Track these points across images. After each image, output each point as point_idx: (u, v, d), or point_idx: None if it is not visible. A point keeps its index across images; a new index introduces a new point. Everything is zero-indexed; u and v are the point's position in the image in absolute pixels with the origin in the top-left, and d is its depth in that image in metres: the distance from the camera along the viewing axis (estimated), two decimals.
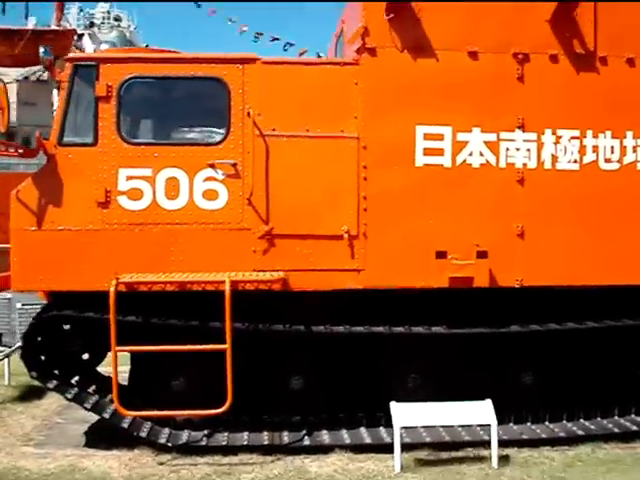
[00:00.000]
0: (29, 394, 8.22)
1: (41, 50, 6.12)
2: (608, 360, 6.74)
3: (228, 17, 18.94)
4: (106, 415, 6.18)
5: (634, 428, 6.54)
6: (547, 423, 6.60)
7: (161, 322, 6.02)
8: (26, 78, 30.33)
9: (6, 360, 8.68)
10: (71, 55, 6.35)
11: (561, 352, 6.66)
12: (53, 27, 22.59)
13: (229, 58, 6.31)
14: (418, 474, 5.69)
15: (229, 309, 5.78)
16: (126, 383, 6.56)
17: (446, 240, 6.27)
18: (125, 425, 6.16)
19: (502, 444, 6.05)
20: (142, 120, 6.50)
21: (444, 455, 6.05)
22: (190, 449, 6.17)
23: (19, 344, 6.53)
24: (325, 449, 6.21)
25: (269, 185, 6.21)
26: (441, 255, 6.25)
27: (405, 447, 5.99)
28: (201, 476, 5.68)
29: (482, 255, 6.27)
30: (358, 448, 6.20)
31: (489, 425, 5.82)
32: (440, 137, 6.31)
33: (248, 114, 6.20)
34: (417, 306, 6.33)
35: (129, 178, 6.21)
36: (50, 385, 6.22)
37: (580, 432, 6.47)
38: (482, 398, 5.98)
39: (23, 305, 10.25)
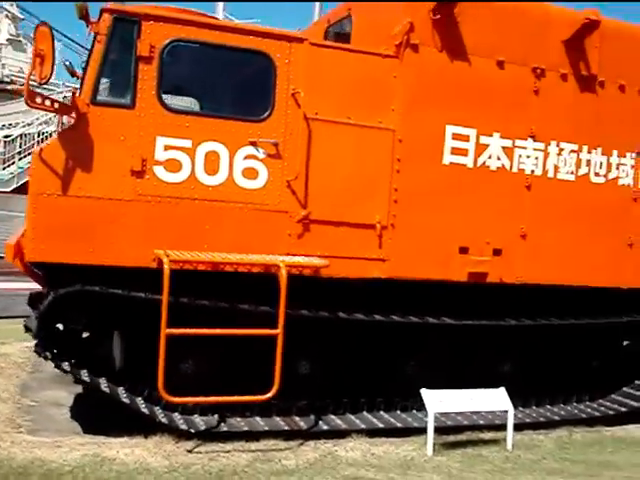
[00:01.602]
0: None
1: None
2: (570, 352, 7.53)
3: None
4: (142, 404, 5.78)
5: (597, 414, 7.41)
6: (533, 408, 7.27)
7: (212, 305, 5.72)
8: None
9: None
10: (109, 5, 5.73)
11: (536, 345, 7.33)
12: None
13: (277, 34, 6.11)
14: (447, 457, 6.00)
15: (284, 293, 5.65)
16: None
17: (468, 236, 6.63)
18: (161, 415, 5.82)
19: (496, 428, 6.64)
20: (184, 87, 6.05)
21: (459, 438, 6.43)
22: (207, 435, 5.96)
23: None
24: (342, 434, 6.32)
25: (309, 169, 6.14)
26: (464, 251, 6.60)
27: (420, 431, 6.34)
28: (246, 463, 5.52)
29: (497, 253, 6.73)
30: (373, 433, 6.40)
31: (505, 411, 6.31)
32: (466, 138, 6.64)
33: (293, 94, 6.07)
34: (428, 297, 6.64)
35: (167, 148, 5.79)
36: (66, 368, 5.64)
37: (556, 417, 7.21)
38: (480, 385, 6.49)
39: None
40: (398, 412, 6.79)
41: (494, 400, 6.30)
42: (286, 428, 6.18)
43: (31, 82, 5.39)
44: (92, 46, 5.80)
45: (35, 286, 7.91)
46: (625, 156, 7.29)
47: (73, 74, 8.34)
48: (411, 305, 6.55)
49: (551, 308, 7.11)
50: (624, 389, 7.78)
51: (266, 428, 6.11)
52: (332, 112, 6.20)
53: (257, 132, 6.01)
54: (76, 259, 5.60)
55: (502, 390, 6.37)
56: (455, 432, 6.61)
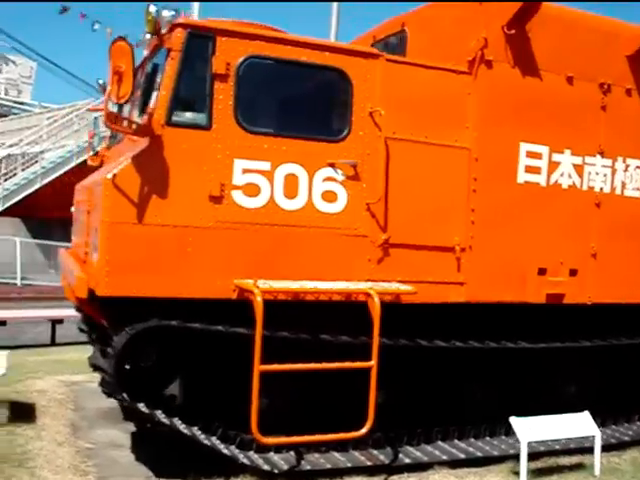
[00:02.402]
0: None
1: (154, 9, 5.08)
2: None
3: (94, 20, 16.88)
4: (220, 444, 5.38)
5: None
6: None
7: (310, 338, 5.36)
8: None
9: None
10: (181, 19, 5.36)
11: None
12: None
13: (353, 50, 5.83)
14: None
15: (378, 323, 5.34)
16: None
17: (545, 257, 6.42)
18: (241, 456, 5.44)
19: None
20: (260, 107, 5.70)
21: (540, 465, 6.20)
22: (289, 475, 5.60)
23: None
24: (423, 466, 6.03)
25: (388, 191, 5.85)
26: (542, 272, 6.39)
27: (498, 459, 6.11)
28: None
29: (573, 273, 6.53)
30: (453, 463, 6.12)
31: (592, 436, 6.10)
32: (539, 156, 6.45)
33: (370, 113, 5.79)
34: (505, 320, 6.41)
35: (245, 171, 5.44)
36: (143, 409, 5.20)
37: (626, 438, 7.03)
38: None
39: None
40: (472, 440, 6.52)
41: (580, 425, 6.08)
42: (368, 464, 5.85)
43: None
44: (146, 62, 5.44)
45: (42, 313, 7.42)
46: None
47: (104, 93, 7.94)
48: (489, 328, 6.31)
49: (621, 327, 6.96)
50: None
51: (349, 464, 5.77)
52: (409, 131, 5.93)
53: (336, 153, 5.71)
54: (153, 292, 5.20)
55: (587, 414, 6.16)
56: (533, 458, 6.40)
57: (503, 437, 6.67)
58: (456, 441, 6.46)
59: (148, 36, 5.36)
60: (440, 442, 6.40)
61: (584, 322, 6.76)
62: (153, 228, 5.18)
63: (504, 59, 6.25)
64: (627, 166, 6.89)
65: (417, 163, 5.97)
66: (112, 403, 7.46)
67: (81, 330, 7.92)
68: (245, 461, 5.50)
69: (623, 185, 6.88)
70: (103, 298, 5.15)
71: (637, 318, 7.03)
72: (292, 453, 5.80)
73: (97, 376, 8.59)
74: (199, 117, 5.35)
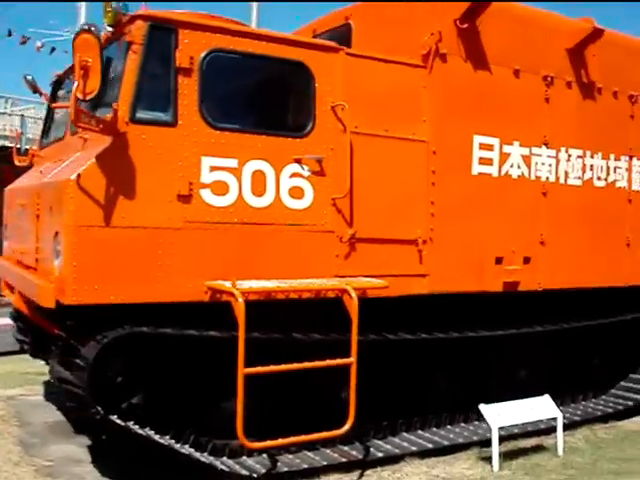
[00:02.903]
0: None
1: (114, 3, 4.82)
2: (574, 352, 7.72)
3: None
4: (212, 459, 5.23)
5: (610, 410, 7.63)
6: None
7: (284, 337, 5.24)
8: None
9: None
10: (141, 10, 5.09)
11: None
12: None
13: (314, 43, 5.76)
14: (511, 471, 5.90)
15: (356, 319, 5.31)
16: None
17: (501, 246, 6.59)
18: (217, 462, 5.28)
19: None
20: (225, 102, 5.49)
21: (504, 448, 6.36)
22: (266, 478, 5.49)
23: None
24: (394, 459, 6.06)
25: (352, 186, 5.82)
26: (499, 261, 6.55)
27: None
28: None
29: (527, 261, 6.74)
30: (422, 454, 6.20)
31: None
32: (491, 147, 6.60)
33: (332, 108, 5.74)
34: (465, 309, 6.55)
35: (213, 169, 5.27)
36: (119, 422, 4.93)
37: (577, 418, 7.34)
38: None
39: None
40: (435, 429, 6.62)
41: (543, 408, 6.30)
42: (343, 460, 5.83)
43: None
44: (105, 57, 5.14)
45: None
46: (620, 159, 7.58)
47: (35, 90, 7.53)
48: (451, 318, 6.43)
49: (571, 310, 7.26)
50: (622, 384, 8.09)
51: (324, 463, 5.73)
52: (370, 125, 5.93)
53: (301, 148, 5.63)
54: (123, 298, 4.95)
55: (547, 397, 6.39)
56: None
57: (463, 424, 6.82)
58: (420, 432, 6.54)
59: (109, 29, 5.07)
60: (405, 433, 6.46)
61: (536, 308, 7.01)
62: (121, 231, 4.93)
63: (457, 53, 6.35)
64: (569, 156, 7.17)
65: (378, 157, 5.98)
66: (58, 416, 7.13)
67: (19, 340, 7.49)
68: (223, 467, 5.35)
69: (566, 174, 7.16)
70: (65, 307, 4.86)
71: (583, 301, 7.35)
72: (265, 456, 5.69)
73: (35, 389, 8.25)
74: (164, 113, 5.13)
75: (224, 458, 5.56)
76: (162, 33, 5.11)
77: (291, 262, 5.58)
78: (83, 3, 33.75)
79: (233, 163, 5.34)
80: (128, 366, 5.14)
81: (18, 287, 5.77)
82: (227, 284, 5.03)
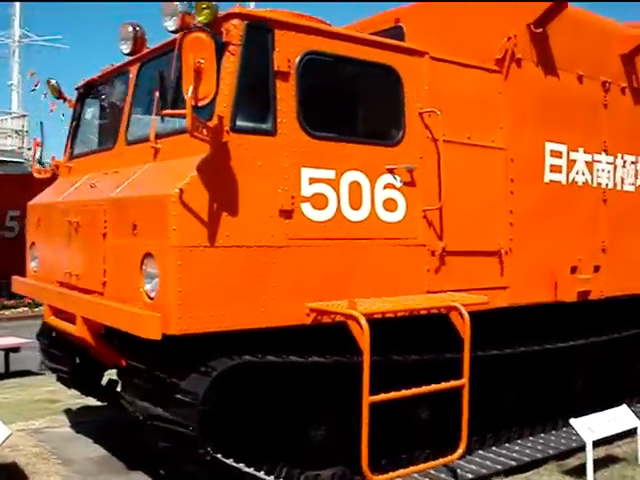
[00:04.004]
0: None
1: None
2: None
3: None
4: None
5: None
6: None
7: (403, 360, 4.88)
8: None
9: None
10: (236, 8, 4.63)
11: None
12: None
13: (402, 46, 5.43)
14: None
15: (468, 339, 5.00)
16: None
17: (574, 255, 6.43)
18: None
19: None
20: (320, 109, 5.07)
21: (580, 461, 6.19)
22: None
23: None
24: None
25: (441, 196, 5.52)
26: (574, 270, 6.39)
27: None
28: None
29: (597, 269, 6.61)
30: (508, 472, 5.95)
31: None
32: (560, 154, 6.43)
33: (420, 114, 5.44)
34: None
35: (313, 181, 4.88)
36: (240, 467, 4.47)
37: None
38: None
39: None
40: (507, 445, 6.39)
41: (624, 418, 6.16)
42: None
43: None
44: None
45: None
46: None
47: (60, 95, 6.94)
48: (529, 330, 6.23)
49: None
50: None
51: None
52: (454, 132, 5.65)
53: (392, 158, 5.30)
54: (227, 325, 4.49)
55: (625, 407, 6.27)
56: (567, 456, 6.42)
57: (531, 438, 6.63)
58: (494, 448, 6.30)
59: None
60: (481, 451, 6.20)
61: (594, 316, 6.89)
62: (225, 251, 4.47)
63: (530, 58, 6.16)
64: (624, 162, 7.10)
65: (463, 166, 5.72)
66: (100, 450, 6.55)
67: (51, 369, 6.88)
68: None
69: (622, 181, 7.08)
70: (168, 337, 4.36)
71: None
72: None
73: (59, 419, 7.59)
74: (264, 121, 4.70)
75: None
76: (260, 33, 4.68)
77: (386, 278, 5.25)
78: (17, 4, 32.12)
79: (331, 174, 4.97)
80: (225, 398, 4.68)
81: (83, 313, 5.18)
82: (340, 304, 4.65)
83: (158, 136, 5.11)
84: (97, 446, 6.65)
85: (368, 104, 5.41)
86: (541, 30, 6.12)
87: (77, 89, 6.92)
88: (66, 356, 6.50)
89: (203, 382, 4.36)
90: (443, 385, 4.96)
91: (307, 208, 4.83)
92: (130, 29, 6.09)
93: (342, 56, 5.07)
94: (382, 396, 4.57)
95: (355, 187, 5.08)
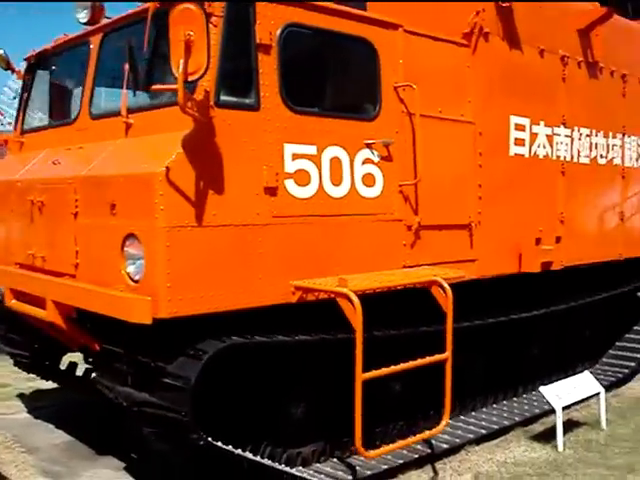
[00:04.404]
0: None
1: None
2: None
3: None
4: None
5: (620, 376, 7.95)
6: None
7: (388, 334, 4.87)
8: None
9: None
10: None
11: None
12: None
13: (377, 19, 5.34)
14: (573, 449, 5.97)
15: (451, 313, 5.06)
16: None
17: (537, 227, 6.59)
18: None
19: None
20: (301, 83, 4.93)
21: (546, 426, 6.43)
22: None
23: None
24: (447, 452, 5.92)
25: (416, 171, 5.53)
26: (538, 241, 6.54)
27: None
28: None
29: (558, 240, 6.79)
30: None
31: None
32: (523, 128, 6.54)
33: (395, 88, 5.41)
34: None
35: (295, 157, 4.78)
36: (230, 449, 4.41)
37: None
38: None
39: None
40: (473, 413, 6.57)
41: (587, 385, 6.42)
42: (415, 457, 5.60)
43: None
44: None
45: None
46: (616, 137, 7.82)
47: (8, 66, 6.57)
48: (496, 301, 6.36)
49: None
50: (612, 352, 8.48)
51: (400, 461, 5.47)
52: (427, 106, 5.64)
53: (370, 132, 5.26)
54: (216, 306, 4.39)
55: (588, 374, 6.53)
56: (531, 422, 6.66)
57: (495, 406, 6.83)
58: (462, 417, 6.45)
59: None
60: (452, 421, 6.34)
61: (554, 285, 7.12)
62: (212, 230, 4.35)
63: (496, 32, 6.20)
64: (580, 135, 7.29)
65: (435, 140, 5.72)
66: (64, 436, 6.35)
67: (10, 354, 6.60)
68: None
69: (578, 153, 7.27)
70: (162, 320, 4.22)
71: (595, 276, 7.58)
72: (336, 460, 5.38)
73: (14, 405, 7.31)
74: (247, 96, 4.57)
75: (300, 467, 5.19)
76: (241, 5, 4.52)
77: (365, 254, 5.24)
78: None
79: (313, 150, 4.89)
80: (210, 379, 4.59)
81: (55, 297, 4.94)
82: (331, 283, 4.62)
83: (130, 110, 4.92)
84: (60, 432, 6.44)
85: (346, 78, 5.33)
86: (508, 4, 6.16)
87: (26, 59, 6.55)
88: (26, 341, 6.24)
89: (194, 366, 4.25)
90: (428, 359, 5.02)
91: (291, 185, 4.75)
92: None
93: (321, 29, 4.96)
94: (373, 373, 4.58)
95: (336, 163, 5.02)
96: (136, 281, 4.35)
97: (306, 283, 4.69)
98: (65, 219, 5.02)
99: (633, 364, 8.25)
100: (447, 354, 5.10)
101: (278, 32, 4.68)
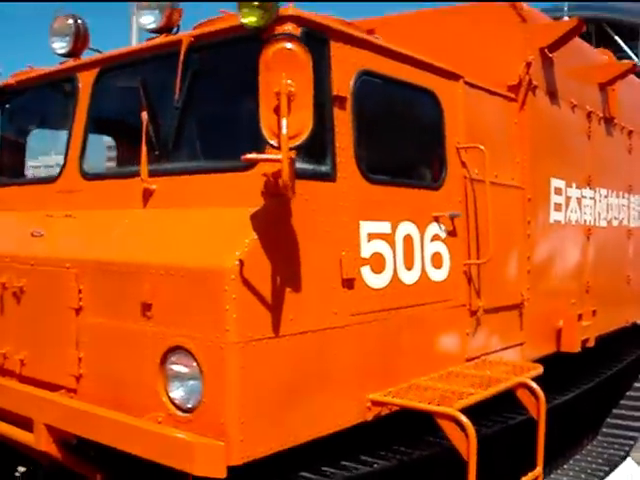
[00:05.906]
0: None
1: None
2: None
3: None
4: None
5: None
6: None
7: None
8: None
9: None
10: (292, 11, 3.40)
11: None
12: None
13: (439, 67, 4.47)
14: None
15: (543, 422, 4.19)
16: None
17: (578, 301, 5.92)
18: None
19: None
20: (372, 145, 3.93)
21: None
22: None
23: None
24: None
25: (479, 247, 4.70)
26: (580, 318, 5.86)
27: None
28: None
29: (594, 314, 6.15)
30: None
31: None
32: (560, 191, 5.89)
33: (457, 150, 4.57)
34: None
35: (371, 237, 3.82)
36: None
37: None
38: None
39: None
40: None
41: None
42: None
43: None
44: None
45: None
46: (624, 197, 7.37)
47: None
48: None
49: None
50: None
51: None
52: (487, 170, 4.84)
53: (436, 203, 4.38)
54: (292, 439, 3.32)
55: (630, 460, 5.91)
56: None
57: None
58: None
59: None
60: None
61: None
62: (289, 341, 3.30)
63: (541, 85, 5.54)
64: (601, 196, 6.76)
65: (494, 210, 4.92)
66: None
67: None
68: None
69: (599, 216, 6.73)
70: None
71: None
72: None
73: None
74: (323, 162, 3.57)
75: None
76: (317, 44, 3.53)
77: (431, 348, 4.33)
78: None
79: (387, 228, 3.94)
80: None
81: (54, 422, 3.64)
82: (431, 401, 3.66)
83: (152, 173, 3.79)
84: None
85: (414, 139, 4.40)
86: (555, 54, 5.52)
87: None
88: None
89: None
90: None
91: (367, 273, 3.77)
92: (70, 21, 4.64)
93: (390, 78, 4.05)
94: None
95: (408, 242, 4.09)
96: (187, 410, 3.22)
97: (403, 401, 3.69)
98: (61, 314, 3.77)
99: None
100: (539, 470, 4.23)
101: (352, 82, 3.74)
